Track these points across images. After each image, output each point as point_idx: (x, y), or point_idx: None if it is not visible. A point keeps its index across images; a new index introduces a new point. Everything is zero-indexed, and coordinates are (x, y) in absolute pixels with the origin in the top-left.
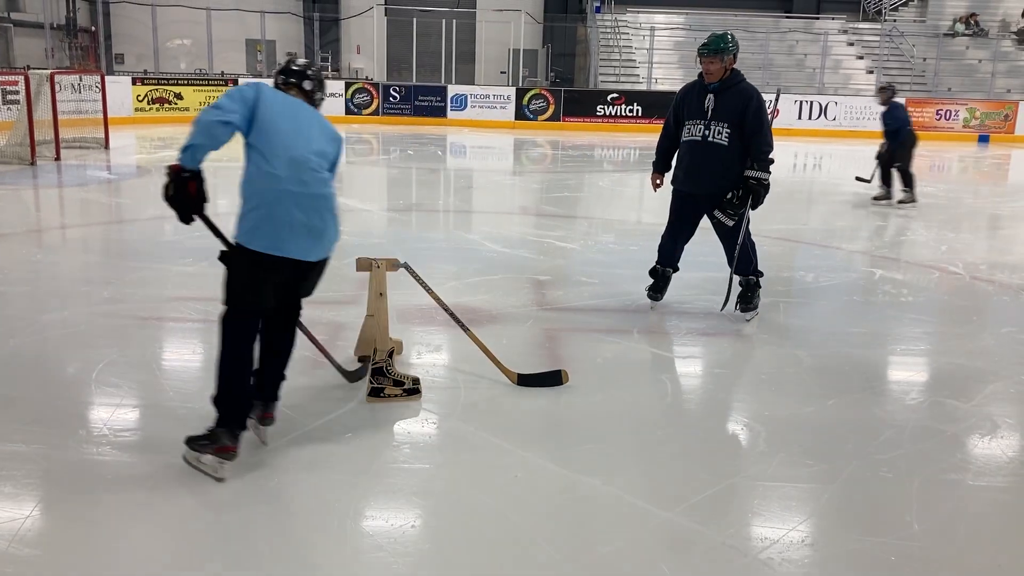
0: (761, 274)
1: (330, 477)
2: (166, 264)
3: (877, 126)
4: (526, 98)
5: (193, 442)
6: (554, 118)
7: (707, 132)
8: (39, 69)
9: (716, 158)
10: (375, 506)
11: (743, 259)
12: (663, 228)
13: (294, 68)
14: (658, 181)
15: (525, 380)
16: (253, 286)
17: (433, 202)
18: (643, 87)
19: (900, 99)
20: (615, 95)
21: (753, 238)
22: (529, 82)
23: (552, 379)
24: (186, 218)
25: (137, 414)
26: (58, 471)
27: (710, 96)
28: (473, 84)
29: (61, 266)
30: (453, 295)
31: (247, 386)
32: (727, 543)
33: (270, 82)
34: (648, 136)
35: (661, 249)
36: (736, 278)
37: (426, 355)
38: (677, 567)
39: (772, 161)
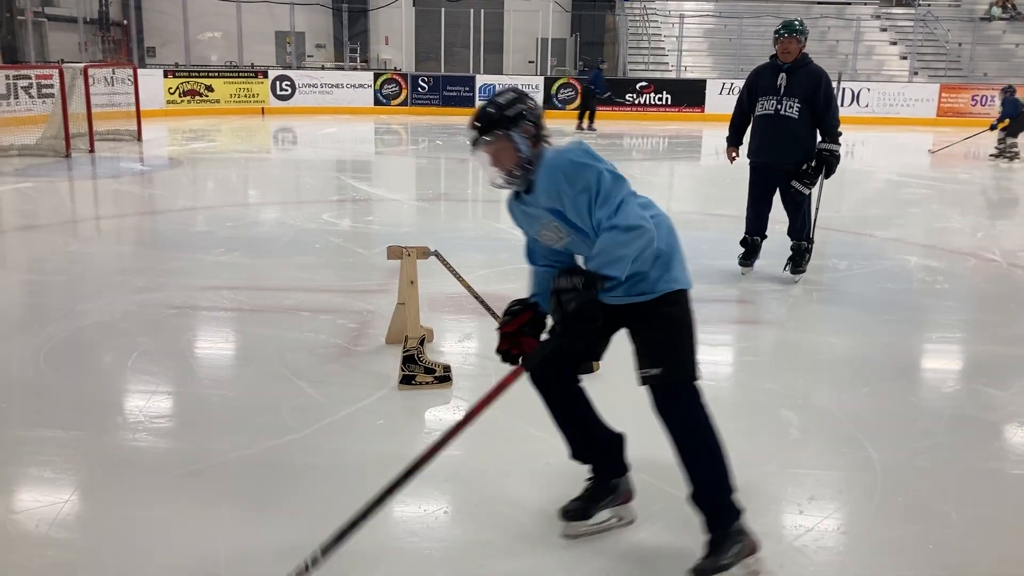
0: (812, 241)
1: (362, 463)
2: (199, 254)
3: (911, 113)
4: (554, 87)
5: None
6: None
7: (779, 106)
8: (73, 63)
9: (787, 130)
10: (407, 492)
11: (801, 225)
12: (694, 217)
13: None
14: (734, 154)
15: None
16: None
17: (462, 191)
18: (672, 75)
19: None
20: (644, 83)
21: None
22: (557, 71)
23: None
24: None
25: (172, 401)
26: (96, 457)
27: (783, 74)
28: (501, 74)
29: (96, 256)
30: (483, 283)
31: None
32: (760, 530)
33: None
34: (677, 124)
35: (747, 220)
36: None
37: (456, 343)
38: None
39: (841, 134)
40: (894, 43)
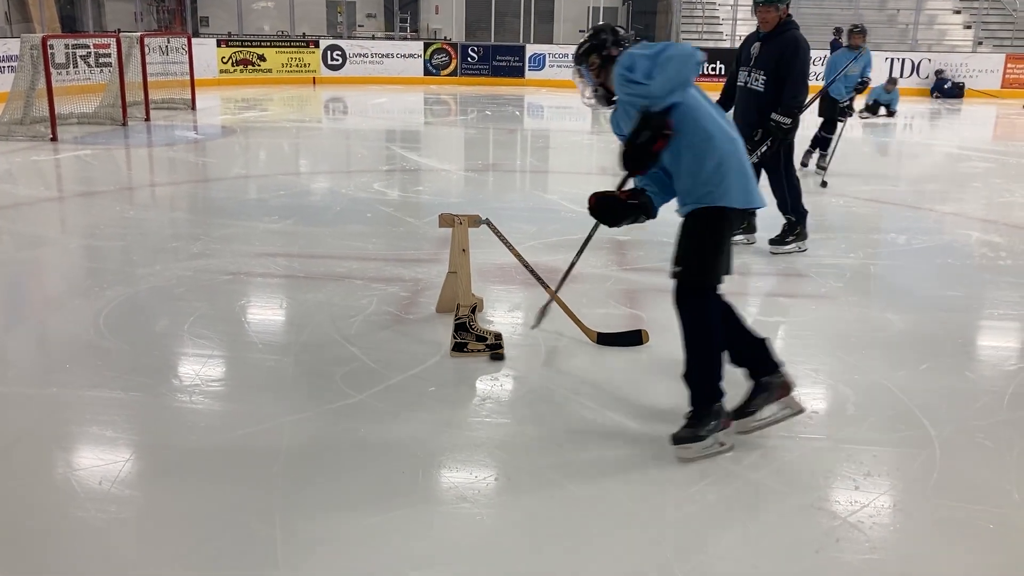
0: (803, 213)
1: (414, 429)
2: (252, 222)
3: (974, 84)
4: None
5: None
6: None
7: (748, 79)
8: (129, 32)
9: (753, 104)
10: (459, 459)
11: (780, 198)
12: None
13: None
14: None
15: (605, 339)
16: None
17: (511, 162)
18: (727, 44)
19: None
20: None
21: (798, 182)
22: None
23: (632, 339)
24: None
25: (227, 365)
26: (155, 418)
27: (757, 44)
28: (551, 43)
29: (152, 223)
30: (533, 254)
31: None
32: (815, 505)
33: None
34: None
35: None
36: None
37: (506, 313)
38: (763, 527)
39: (800, 109)
40: (958, 12)
